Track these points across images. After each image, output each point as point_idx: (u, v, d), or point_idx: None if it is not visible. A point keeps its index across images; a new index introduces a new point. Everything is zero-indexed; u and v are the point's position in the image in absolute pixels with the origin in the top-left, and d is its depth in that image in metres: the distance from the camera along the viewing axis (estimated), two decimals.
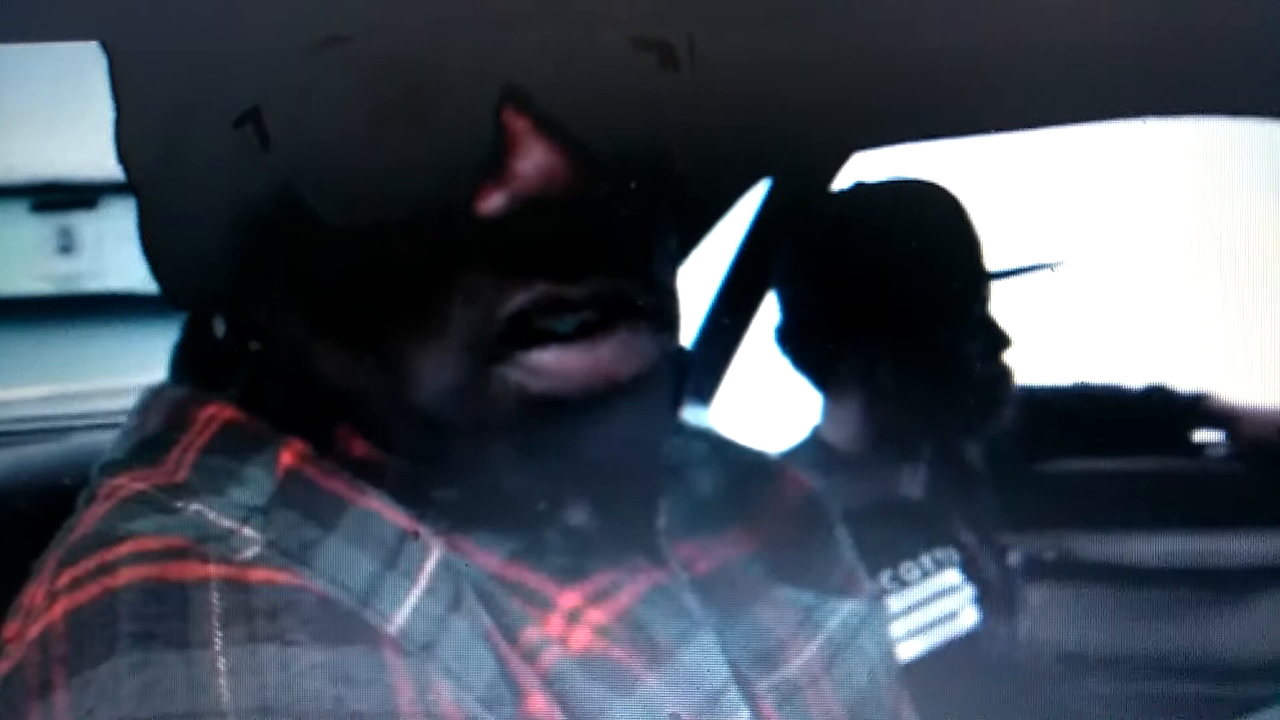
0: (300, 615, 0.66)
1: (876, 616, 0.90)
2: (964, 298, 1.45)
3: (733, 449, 0.93)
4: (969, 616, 1.40)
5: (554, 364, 0.68)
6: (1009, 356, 1.44)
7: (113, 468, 0.73)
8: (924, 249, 1.40)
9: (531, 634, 0.71)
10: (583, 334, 0.68)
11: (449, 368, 0.69)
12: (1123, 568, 1.52)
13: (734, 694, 0.77)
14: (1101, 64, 1.07)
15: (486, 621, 0.70)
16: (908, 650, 1.34)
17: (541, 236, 0.67)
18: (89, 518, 0.71)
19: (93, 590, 0.65)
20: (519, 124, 0.67)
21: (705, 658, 0.76)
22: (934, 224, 1.42)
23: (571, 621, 0.73)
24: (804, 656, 0.83)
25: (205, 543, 0.67)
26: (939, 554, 1.42)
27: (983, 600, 1.42)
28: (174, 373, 0.80)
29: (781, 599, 0.84)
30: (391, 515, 0.71)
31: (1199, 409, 1.59)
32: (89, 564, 0.67)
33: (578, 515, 0.76)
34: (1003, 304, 1.42)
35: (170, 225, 0.75)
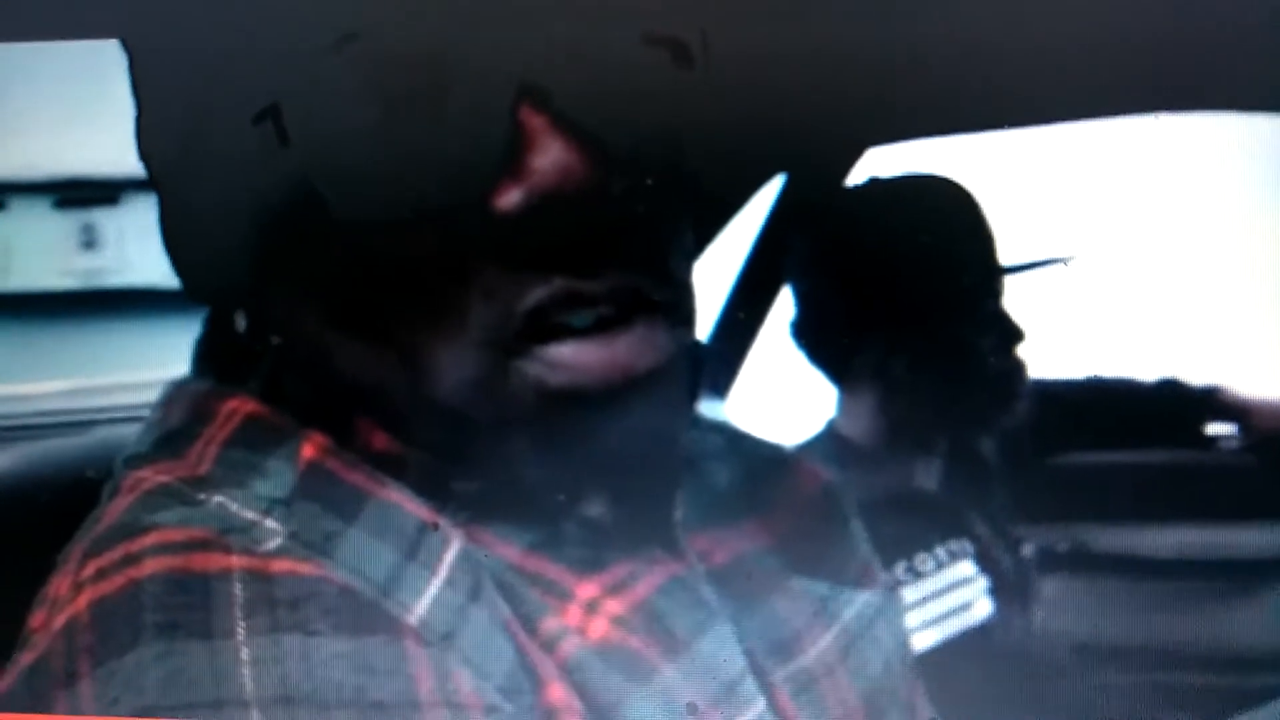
0: (322, 606, 0.66)
1: (891, 607, 0.91)
2: (977, 292, 1.45)
3: (749, 442, 0.93)
4: (983, 608, 1.40)
5: (571, 358, 0.69)
6: (1022, 350, 1.44)
7: (136, 460, 0.74)
8: (937, 244, 1.40)
9: (550, 624, 0.72)
10: (600, 329, 0.69)
11: (468, 362, 0.69)
12: (1136, 559, 1.51)
13: (750, 683, 0.77)
14: (1113, 60, 1.07)
15: (505, 612, 0.71)
16: (922, 641, 1.34)
17: (558, 232, 0.68)
18: (113, 510, 0.71)
19: (118, 581, 0.66)
20: (536, 121, 0.67)
21: (722, 648, 0.77)
22: (947, 219, 1.42)
23: (590, 612, 0.73)
24: (820, 647, 0.83)
25: (228, 534, 0.68)
26: (953, 546, 1.42)
27: (997, 592, 1.42)
28: (196, 367, 0.80)
29: (797, 590, 0.85)
30: (412, 507, 0.71)
31: (1212, 402, 1.59)
32: (114, 555, 0.67)
33: (595, 507, 0.76)
34: (1016, 298, 1.42)
35: (191, 221, 0.76)
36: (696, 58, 0.74)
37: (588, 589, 0.74)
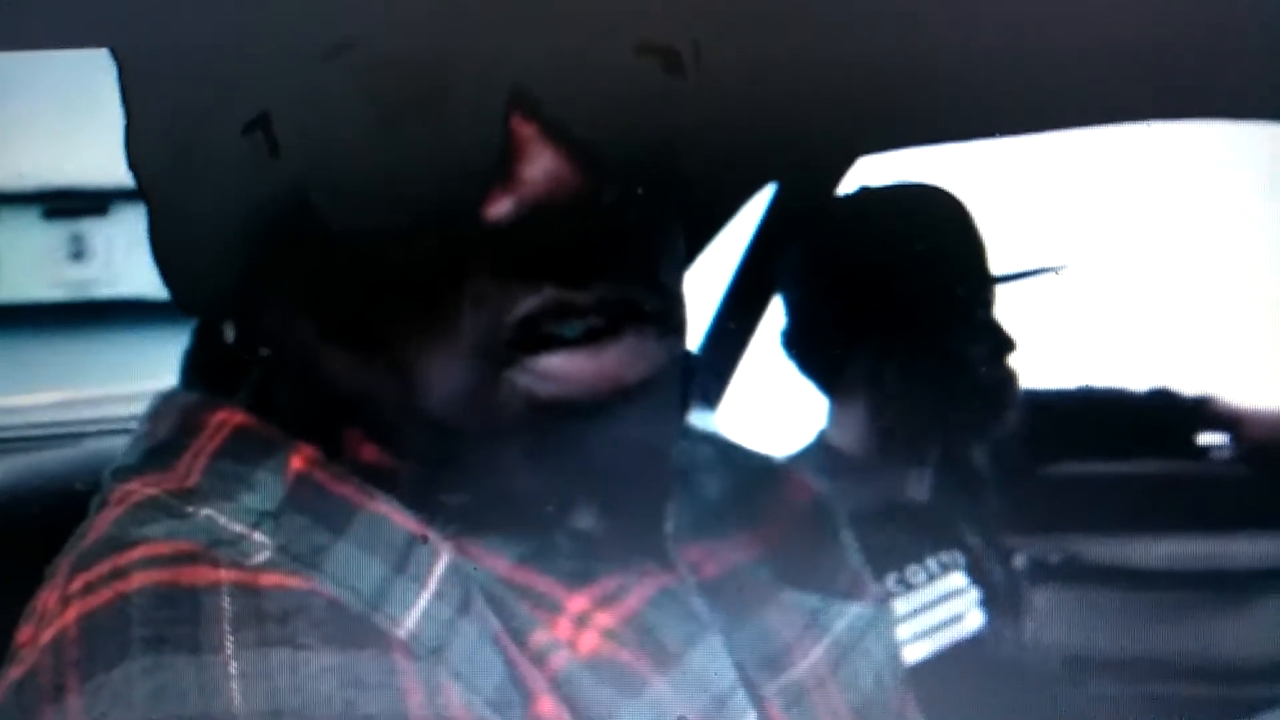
0: (311, 619, 0.66)
1: (882, 619, 0.91)
2: (969, 301, 1.45)
3: (739, 453, 0.93)
4: (974, 619, 1.40)
5: (561, 369, 0.69)
6: (1014, 360, 1.44)
7: (124, 473, 0.74)
8: (929, 253, 1.40)
9: (540, 637, 0.72)
10: (590, 339, 0.69)
11: (457, 372, 0.69)
12: (1127, 570, 1.52)
13: (741, 697, 0.77)
14: (1105, 68, 1.07)
15: (495, 625, 0.71)
16: (913, 653, 1.35)
17: (549, 242, 0.67)
18: (101, 522, 0.71)
19: (105, 595, 0.66)
20: (526, 129, 0.67)
21: (713, 661, 0.77)
22: (939, 228, 1.42)
23: (580, 625, 0.73)
24: (811, 659, 0.83)
25: (216, 547, 0.68)
26: (944, 557, 1.43)
27: (988, 603, 1.42)
28: (184, 378, 0.80)
29: (788, 602, 0.85)
30: (401, 520, 0.71)
31: (1203, 412, 1.59)
32: (101, 569, 0.67)
33: (585, 519, 0.76)
34: (1008, 308, 1.42)
35: (180, 231, 0.76)
36: (689, 67, 0.73)
37: (578, 602, 0.74)
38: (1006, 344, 1.45)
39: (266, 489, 0.71)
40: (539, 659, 0.71)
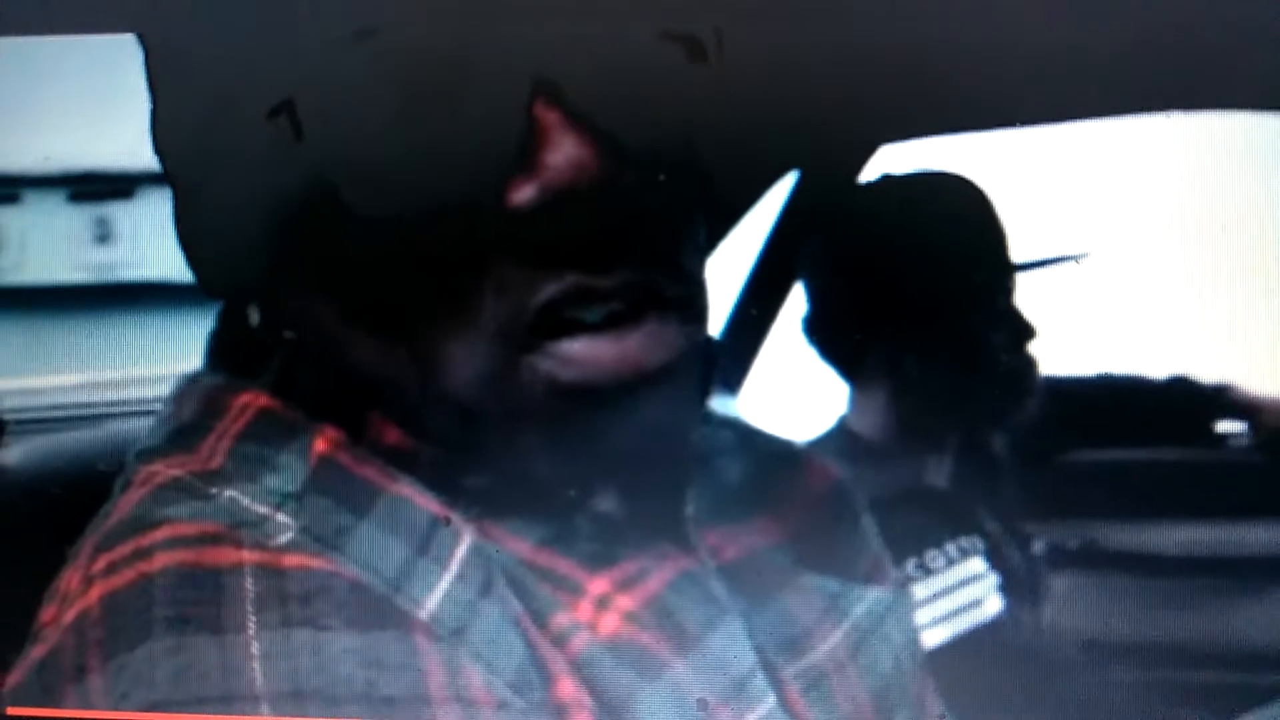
0: (333, 600, 0.66)
1: (901, 604, 0.91)
2: (989, 289, 1.45)
3: (760, 438, 0.93)
4: (993, 604, 1.40)
5: (583, 353, 0.69)
6: (1034, 347, 1.44)
7: (148, 454, 0.74)
8: (950, 241, 1.40)
9: (561, 619, 0.72)
10: (611, 324, 0.69)
11: (480, 357, 0.69)
12: (1146, 556, 1.51)
13: (760, 679, 0.77)
14: (1125, 59, 1.07)
15: (517, 607, 0.71)
16: (932, 637, 1.34)
17: (571, 228, 0.68)
18: (125, 504, 0.71)
19: (128, 575, 0.66)
20: (549, 117, 0.67)
21: (732, 644, 0.77)
22: (960, 216, 1.42)
23: (600, 607, 0.73)
24: (830, 643, 0.83)
25: (240, 528, 0.68)
26: (964, 542, 1.42)
27: (1007, 588, 1.41)
28: (209, 361, 0.81)
29: (808, 586, 0.85)
30: (423, 502, 0.71)
31: (1222, 400, 1.59)
32: (125, 549, 0.68)
33: (607, 502, 0.76)
34: (1028, 295, 1.42)
35: (205, 215, 0.76)
36: (711, 55, 0.74)
37: (599, 584, 0.74)
38: (1027, 331, 1.44)
39: (290, 471, 0.71)
40: (560, 641, 0.71)
